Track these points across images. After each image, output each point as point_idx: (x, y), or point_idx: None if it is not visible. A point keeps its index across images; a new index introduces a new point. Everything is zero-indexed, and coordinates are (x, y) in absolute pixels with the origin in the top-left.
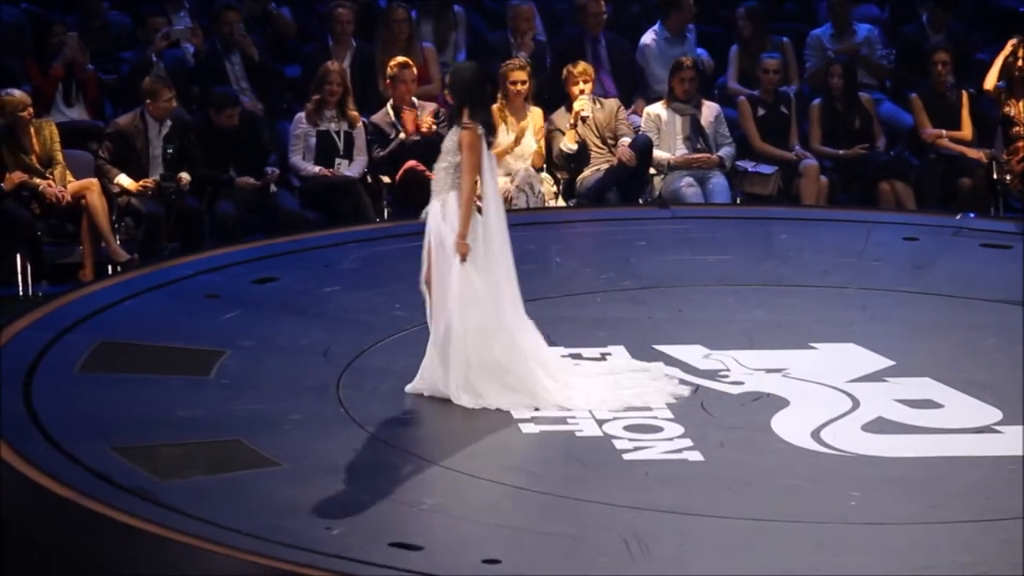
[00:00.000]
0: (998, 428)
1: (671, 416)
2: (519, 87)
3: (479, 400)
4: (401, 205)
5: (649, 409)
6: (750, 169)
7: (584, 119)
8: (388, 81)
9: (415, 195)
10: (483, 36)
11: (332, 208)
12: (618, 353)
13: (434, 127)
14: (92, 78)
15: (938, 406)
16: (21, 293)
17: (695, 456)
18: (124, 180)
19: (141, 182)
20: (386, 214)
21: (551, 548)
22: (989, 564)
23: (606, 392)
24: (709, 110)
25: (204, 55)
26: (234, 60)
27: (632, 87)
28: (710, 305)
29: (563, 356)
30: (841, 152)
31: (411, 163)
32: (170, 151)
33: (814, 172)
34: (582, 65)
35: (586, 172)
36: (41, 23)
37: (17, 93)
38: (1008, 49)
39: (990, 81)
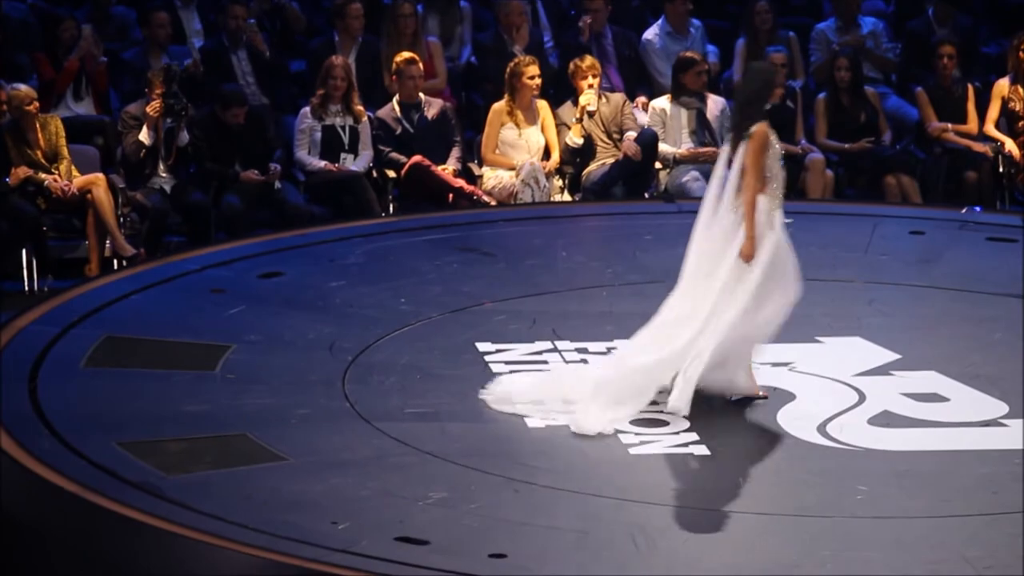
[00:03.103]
0: (1004, 421)
1: None
2: (538, 81)
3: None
4: (406, 199)
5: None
6: None
7: (590, 113)
8: (394, 76)
9: (420, 189)
10: (476, 36)
11: (337, 202)
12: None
13: None
14: (102, 72)
15: (944, 400)
16: (27, 288)
17: (701, 450)
18: (143, 133)
19: (148, 107)
20: (391, 208)
21: (557, 542)
22: (997, 558)
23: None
24: (715, 104)
25: (210, 50)
26: (240, 55)
27: (637, 82)
28: None
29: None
30: (847, 146)
31: (417, 158)
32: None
33: (820, 166)
34: (589, 59)
35: (592, 166)
36: (50, 18)
37: (23, 87)
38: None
39: (989, 127)
